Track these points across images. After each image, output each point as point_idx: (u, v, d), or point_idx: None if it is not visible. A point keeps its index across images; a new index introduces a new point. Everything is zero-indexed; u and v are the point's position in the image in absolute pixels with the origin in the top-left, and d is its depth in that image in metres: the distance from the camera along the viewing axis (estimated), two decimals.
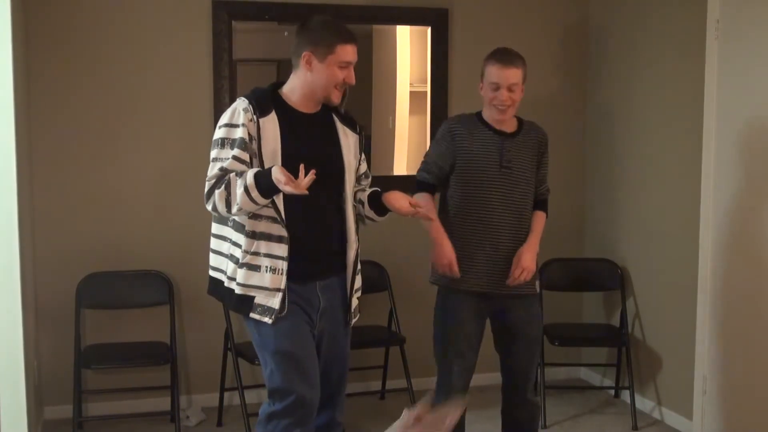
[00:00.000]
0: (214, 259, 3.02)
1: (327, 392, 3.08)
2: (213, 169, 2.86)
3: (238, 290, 2.90)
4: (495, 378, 4.68)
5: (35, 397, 3.98)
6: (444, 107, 4.86)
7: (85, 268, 4.31)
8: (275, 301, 2.88)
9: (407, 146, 5.00)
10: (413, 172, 4.91)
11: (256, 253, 2.87)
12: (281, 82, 3.02)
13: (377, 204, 3.08)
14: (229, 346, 4.35)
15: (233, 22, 4.49)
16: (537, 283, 3.56)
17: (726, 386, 4.06)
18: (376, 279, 4.69)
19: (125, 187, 4.44)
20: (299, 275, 2.91)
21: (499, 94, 3.34)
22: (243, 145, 2.83)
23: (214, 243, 3.02)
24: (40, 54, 4.26)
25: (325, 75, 2.92)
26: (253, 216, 2.86)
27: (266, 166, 2.83)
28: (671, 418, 4.45)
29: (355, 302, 3.13)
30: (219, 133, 2.88)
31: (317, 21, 2.96)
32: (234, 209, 2.80)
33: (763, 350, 3.83)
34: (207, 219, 3.09)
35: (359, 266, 3.12)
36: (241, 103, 2.89)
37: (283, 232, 2.86)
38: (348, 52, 2.92)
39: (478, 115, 3.49)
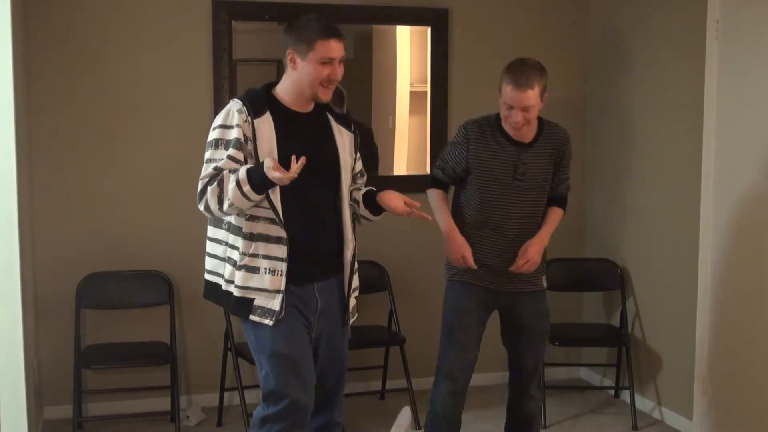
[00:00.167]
0: (210, 263, 2.99)
1: (325, 393, 3.07)
2: (206, 169, 2.84)
3: (236, 293, 2.88)
4: (495, 378, 4.70)
5: (35, 397, 3.98)
6: (444, 107, 4.86)
7: (85, 268, 4.31)
8: (275, 303, 2.86)
9: (407, 146, 5.00)
10: (413, 172, 5.00)
11: (254, 255, 2.84)
12: (274, 83, 3.00)
13: (372, 203, 3.06)
14: (229, 346, 4.35)
15: (233, 22, 4.49)
16: (544, 278, 3.57)
17: (726, 386, 4.06)
18: (376, 279, 4.69)
19: (125, 187, 4.44)
20: (297, 277, 2.89)
21: (513, 113, 3.29)
22: (238, 145, 2.81)
23: (209, 246, 2.99)
24: (40, 54, 4.26)
25: (308, 72, 2.88)
26: (250, 218, 2.84)
27: None
28: (671, 418, 4.45)
29: (353, 302, 3.10)
30: (213, 135, 2.86)
31: (301, 19, 2.93)
32: (225, 206, 2.77)
33: (763, 350, 3.83)
34: (207, 219, 3.09)
35: (356, 266, 3.09)
36: (234, 105, 2.87)
37: (282, 233, 2.84)
38: (329, 48, 2.87)
39: (498, 118, 3.42)
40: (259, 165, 2.74)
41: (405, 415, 3.51)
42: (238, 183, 2.73)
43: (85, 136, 4.37)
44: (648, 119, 4.57)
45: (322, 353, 3.05)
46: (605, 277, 4.80)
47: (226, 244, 2.91)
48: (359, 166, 3.15)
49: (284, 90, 2.95)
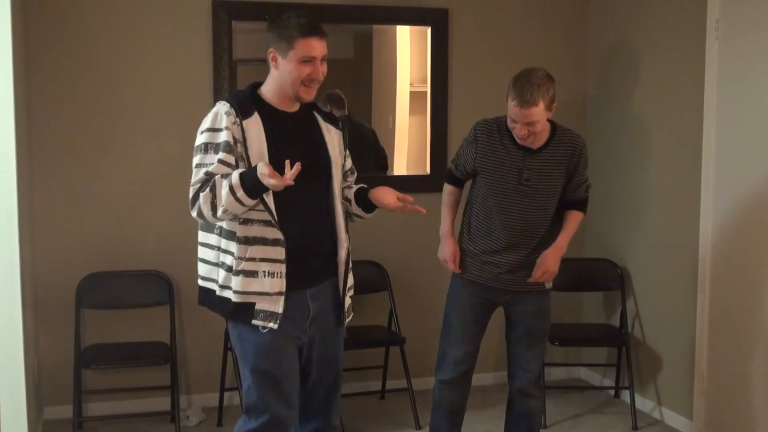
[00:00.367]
0: (202, 268, 2.92)
1: (321, 396, 3.05)
2: (197, 174, 2.78)
3: (235, 298, 2.80)
4: (495, 378, 4.71)
5: (35, 397, 3.98)
6: (444, 107, 4.86)
7: (85, 268, 4.31)
8: (278, 306, 2.80)
9: (407, 146, 5.00)
10: (413, 172, 5.00)
11: (251, 259, 2.78)
12: (260, 83, 2.93)
13: (364, 201, 3.03)
14: (229, 346, 4.35)
15: (233, 22, 4.49)
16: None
17: (726, 387, 4.06)
18: (376, 279, 4.69)
19: (125, 187, 4.44)
20: (291, 282, 2.82)
21: (518, 127, 3.29)
22: (228, 148, 2.75)
23: (201, 251, 2.92)
24: (40, 55, 4.26)
25: (288, 71, 2.82)
26: (244, 221, 2.77)
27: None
28: (671, 418, 4.45)
29: (348, 301, 3.04)
30: (201, 139, 2.80)
31: (282, 17, 2.86)
32: (219, 212, 2.71)
33: (762, 350, 3.83)
34: None
35: (350, 264, 3.02)
36: (222, 107, 2.80)
37: (278, 235, 2.78)
38: (309, 47, 2.80)
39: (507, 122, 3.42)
40: (251, 169, 2.70)
41: None
42: (231, 188, 2.68)
43: (85, 136, 4.37)
44: (648, 119, 4.57)
45: (317, 356, 2.99)
46: (605, 277, 4.80)
47: (219, 248, 2.84)
48: (349, 163, 3.11)
49: (269, 90, 2.90)
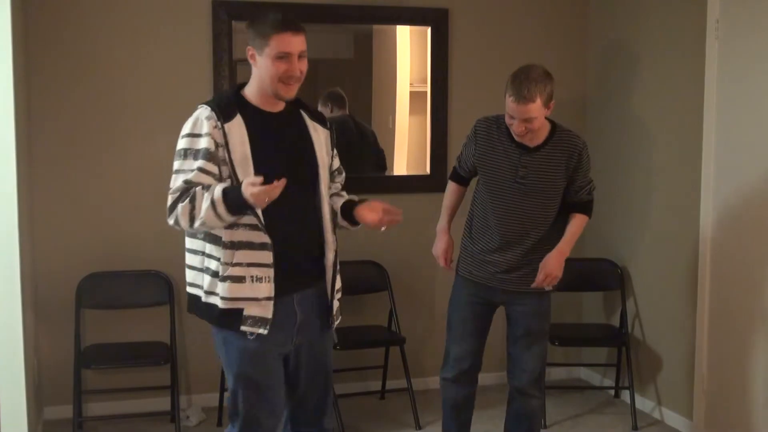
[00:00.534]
0: (189, 275, 2.84)
1: (312, 403, 2.98)
2: (176, 181, 2.71)
3: (222, 304, 2.72)
4: (495, 378, 4.70)
5: (35, 397, 3.98)
6: (444, 107, 4.86)
7: (85, 268, 4.31)
8: (268, 311, 2.73)
9: (407, 146, 5.00)
10: (413, 172, 5.00)
11: (239, 264, 2.70)
12: (244, 84, 2.85)
13: (350, 215, 2.94)
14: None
15: (233, 22, 4.49)
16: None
17: (726, 386, 4.06)
18: (376, 279, 4.69)
19: (125, 186, 4.44)
20: (278, 288, 2.74)
21: (515, 123, 3.29)
22: (208, 155, 2.67)
23: (188, 257, 2.85)
24: (39, 55, 4.26)
25: (265, 68, 2.73)
26: (229, 225, 2.69)
27: (238, 172, 2.68)
28: (671, 418, 4.45)
29: (336, 305, 2.95)
30: (181, 144, 2.74)
31: (262, 15, 2.79)
32: (197, 224, 2.65)
33: (762, 350, 3.84)
34: None
35: (338, 266, 2.94)
36: (203, 111, 2.73)
37: (266, 239, 2.70)
38: (284, 42, 2.70)
39: None
40: (236, 186, 2.62)
41: None
42: (212, 202, 2.60)
43: (85, 136, 4.37)
44: (648, 119, 4.57)
45: (306, 362, 2.92)
46: (605, 277, 4.80)
47: (203, 253, 2.77)
48: (336, 163, 3.02)
49: (251, 90, 2.82)
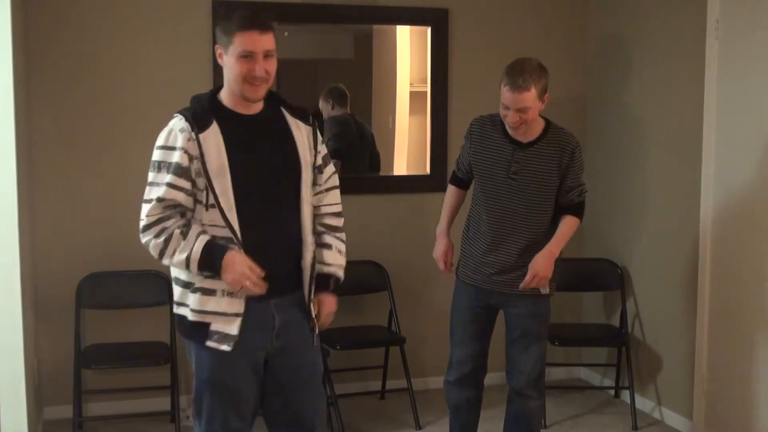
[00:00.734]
0: (174, 289, 2.79)
1: (301, 415, 2.84)
2: (149, 193, 2.67)
3: (191, 317, 2.68)
4: (495, 378, 4.69)
5: (35, 397, 3.98)
6: (444, 107, 4.86)
7: (85, 268, 4.31)
8: (234, 327, 2.65)
9: (407, 146, 5.00)
10: (413, 172, 5.01)
11: (210, 276, 2.64)
12: (221, 86, 2.74)
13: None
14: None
15: None
16: (547, 284, 3.51)
17: (726, 386, 4.06)
18: (376, 279, 4.69)
19: (125, 187, 4.43)
20: (252, 297, 2.66)
21: (510, 114, 3.30)
22: (179, 171, 2.60)
23: (172, 270, 2.80)
24: (39, 55, 4.25)
25: (230, 68, 2.63)
26: (204, 232, 2.64)
27: (214, 184, 2.61)
28: (671, 418, 4.45)
29: (314, 310, 2.85)
30: (155, 155, 2.66)
31: (232, 12, 2.69)
32: (164, 262, 2.64)
33: (763, 350, 3.83)
34: None
35: (316, 267, 2.85)
36: (177, 123, 2.64)
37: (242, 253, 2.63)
38: (247, 40, 2.58)
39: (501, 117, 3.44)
40: (216, 247, 2.59)
41: None
42: (188, 259, 2.59)
43: (85, 136, 4.37)
44: (648, 119, 4.57)
45: (290, 366, 2.80)
46: (605, 277, 4.80)
47: None
48: (320, 160, 2.87)
49: (224, 93, 2.71)
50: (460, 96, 4.85)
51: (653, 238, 4.55)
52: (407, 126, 4.97)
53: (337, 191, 2.95)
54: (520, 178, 3.38)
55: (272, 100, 2.79)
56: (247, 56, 2.60)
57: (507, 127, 3.39)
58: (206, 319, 2.68)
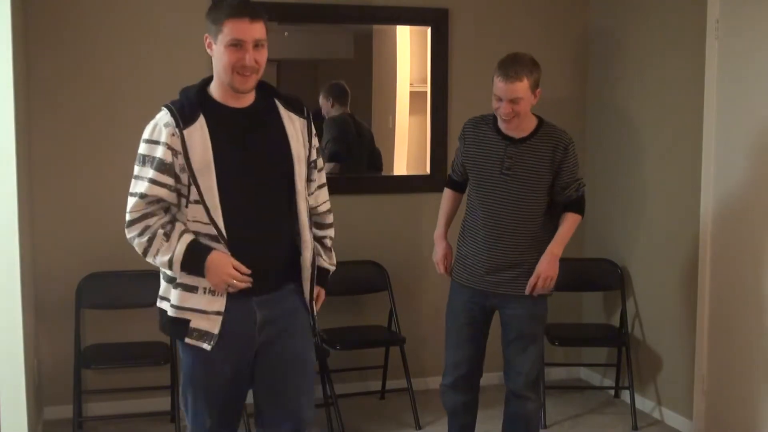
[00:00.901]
0: (161, 283, 2.75)
1: (291, 394, 2.79)
2: (134, 187, 2.63)
3: (171, 312, 2.64)
4: (495, 378, 4.69)
5: (35, 397, 3.98)
6: (444, 107, 4.86)
7: (85, 268, 4.30)
8: (214, 325, 2.62)
9: (407, 146, 5.00)
10: (413, 172, 5.01)
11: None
12: (211, 78, 2.67)
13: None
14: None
15: None
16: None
17: (726, 387, 4.06)
18: (376, 279, 4.68)
19: (125, 186, 4.41)
20: (236, 294, 2.63)
21: (502, 105, 3.32)
22: (162, 167, 2.56)
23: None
24: (39, 56, 4.25)
25: (219, 57, 2.56)
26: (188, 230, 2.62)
27: (198, 180, 2.56)
28: (671, 418, 4.45)
29: (316, 308, 2.86)
30: (141, 149, 2.64)
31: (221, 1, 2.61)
32: (147, 260, 2.62)
33: (763, 350, 3.84)
34: None
35: (317, 265, 2.84)
36: (162, 117, 2.60)
37: (225, 252, 2.60)
38: (237, 28, 2.51)
39: (494, 116, 3.45)
40: (199, 248, 2.57)
41: None
42: (170, 261, 2.57)
43: (85, 136, 4.36)
44: (648, 119, 4.57)
45: (272, 359, 2.74)
46: (605, 277, 4.80)
47: None
48: (314, 154, 2.80)
49: (214, 84, 2.65)
50: (460, 96, 4.85)
51: (653, 238, 4.55)
52: (407, 126, 4.97)
53: (326, 188, 2.93)
54: (513, 173, 3.39)
55: (265, 91, 2.72)
56: (236, 45, 2.54)
57: (499, 121, 3.40)
58: (185, 315, 2.64)
